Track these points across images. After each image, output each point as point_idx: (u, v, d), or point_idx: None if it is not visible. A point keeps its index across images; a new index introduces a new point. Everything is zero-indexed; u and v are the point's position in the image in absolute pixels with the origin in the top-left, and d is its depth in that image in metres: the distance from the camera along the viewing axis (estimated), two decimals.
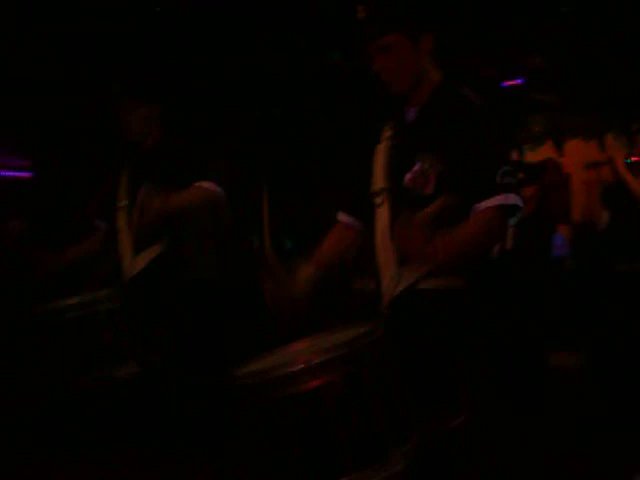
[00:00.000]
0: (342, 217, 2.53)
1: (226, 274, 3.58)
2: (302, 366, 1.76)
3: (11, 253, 4.14)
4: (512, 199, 2.11)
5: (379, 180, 2.33)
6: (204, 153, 3.56)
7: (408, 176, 2.22)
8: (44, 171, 5.35)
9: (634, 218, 4.44)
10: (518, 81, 6.55)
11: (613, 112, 5.76)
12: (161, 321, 3.32)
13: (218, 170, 3.46)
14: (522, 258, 4.95)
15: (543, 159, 5.80)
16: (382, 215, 2.29)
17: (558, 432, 4.09)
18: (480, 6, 5.66)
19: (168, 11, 4.88)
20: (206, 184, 3.33)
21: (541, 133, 6.07)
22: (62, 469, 3.15)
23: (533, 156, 5.87)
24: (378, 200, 2.31)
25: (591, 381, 4.63)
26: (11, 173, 5.32)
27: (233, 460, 2.29)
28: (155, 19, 4.93)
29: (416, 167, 2.21)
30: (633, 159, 4.49)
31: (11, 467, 3.22)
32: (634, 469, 3.64)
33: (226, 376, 1.94)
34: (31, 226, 4.30)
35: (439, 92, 2.29)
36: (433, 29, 2.26)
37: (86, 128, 5.00)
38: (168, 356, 3.28)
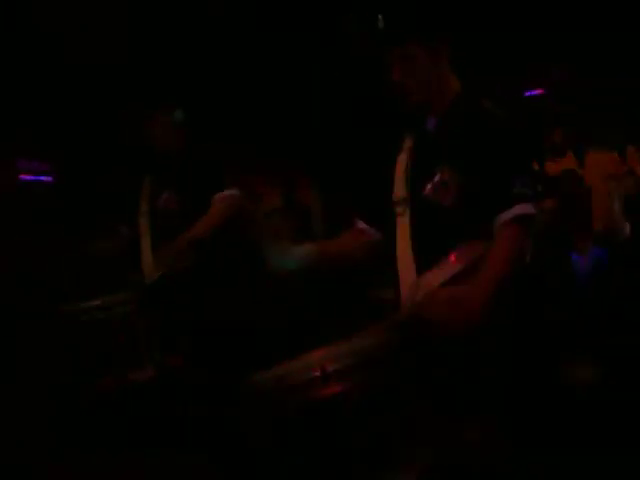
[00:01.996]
0: (359, 224, 2.51)
1: (246, 279, 3.59)
2: (317, 373, 1.76)
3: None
4: (528, 209, 2.10)
5: (400, 190, 2.33)
6: (225, 163, 3.60)
7: (428, 187, 2.22)
8: (65, 175, 5.40)
9: None
10: (539, 91, 6.54)
11: (635, 123, 5.72)
12: (179, 325, 3.34)
13: (239, 180, 3.51)
14: (541, 270, 4.93)
15: (563, 170, 5.78)
16: (403, 224, 2.29)
17: (571, 449, 4.06)
18: (502, 16, 5.65)
19: (190, 20, 4.91)
20: (227, 192, 3.39)
21: (562, 144, 6.03)
22: (76, 470, 3.16)
23: (554, 167, 5.84)
24: (399, 209, 2.31)
25: (606, 397, 4.59)
26: (32, 177, 5.36)
27: (246, 465, 2.29)
28: (178, 26, 4.97)
29: (436, 177, 2.21)
30: None
31: (27, 466, 3.24)
32: None
33: (243, 382, 1.94)
34: (53, 230, 4.35)
35: (459, 102, 2.28)
36: (451, 38, 2.26)
37: (109, 133, 5.03)
38: (186, 361, 3.30)
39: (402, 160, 2.36)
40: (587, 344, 4.98)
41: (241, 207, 3.52)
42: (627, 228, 4.57)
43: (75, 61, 4.88)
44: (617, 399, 4.42)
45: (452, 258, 2.16)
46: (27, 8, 4.64)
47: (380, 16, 2.24)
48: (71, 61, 4.89)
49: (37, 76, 4.86)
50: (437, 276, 2.18)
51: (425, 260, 2.21)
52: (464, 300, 2.00)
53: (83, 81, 4.95)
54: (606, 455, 3.91)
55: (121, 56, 4.97)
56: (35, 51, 4.75)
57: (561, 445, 3.99)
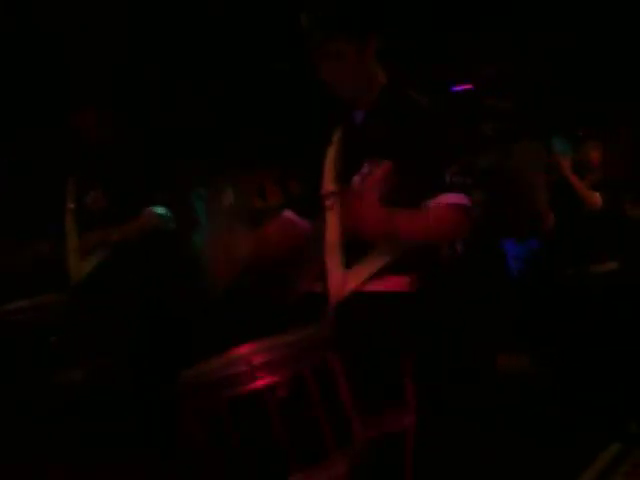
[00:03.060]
0: (289, 214, 2.51)
1: (172, 275, 3.57)
2: (245, 367, 1.76)
3: None
4: (464, 199, 2.12)
5: (329, 183, 2.33)
6: (155, 160, 3.56)
7: (356, 179, 2.23)
8: None
9: (579, 221, 4.54)
10: (468, 86, 6.64)
11: (559, 117, 5.87)
12: (109, 325, 3.30)
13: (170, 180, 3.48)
14: (471, 263, 5.01)
15: (494, 163, 5.89)
16: (331, 218, 2.29)
17: (506, 435, 4.15)
18: (433, 11, 5.72)
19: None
20: (156, 211, 3.37)
21: (491, 138, 6.16)
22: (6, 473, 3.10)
23: (484, 161, 5.95)
24: (328, 203, 2.31)
25: (540, 385, 4.70)
26: None
27: (181, 462, 2.28)
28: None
29: (364, 170, 2.21)
30: (578, 162, 4.58)
31: None
32: (580, 471, 3.72)
33: (172, 379, 1.93)
34: None
35: (386, 95, 2.30)
36: (377, 33, 2.27)
37: (35, 128, 4.91)
38: (116, 360, 3.25)
39: (331, 153, 2.37)
40: (523, 333, 5.09)
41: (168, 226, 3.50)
42: (551, 219, 4.68)
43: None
44: (552, 386, 4.54)
45: None
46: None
47: (305, 14, 2.24)
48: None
49: None
50: (366, 269, 2.20)
51: (354, 253, 2.22)
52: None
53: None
54: (538, 440, 4.01)
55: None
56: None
57: (493, 431, 4.08)
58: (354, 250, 2.22)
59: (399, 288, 2.21)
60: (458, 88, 6.62)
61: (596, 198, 4.45)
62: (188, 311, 3.55)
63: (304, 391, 1.82)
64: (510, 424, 4.27)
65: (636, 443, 4.01)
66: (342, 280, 2.21)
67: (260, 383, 1.76)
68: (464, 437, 4.02)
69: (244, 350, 1.88)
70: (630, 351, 4.35)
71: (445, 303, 2.32)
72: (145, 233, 3.38)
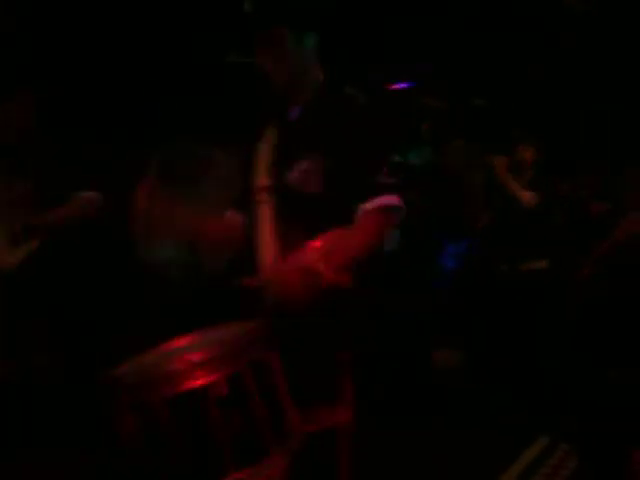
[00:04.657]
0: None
1: (106, 267, 3.51)
2: (182, 365, 1.72)
3: None
4: (394, 200, 2.15)
5: (262, 178, 2.32)
6: (80, 148, 3.49)
7: (293, 174, 2.22)
8: None
9: (513, 219, 4.62)
10: (407, 85, 6.69)
11: (494, 117, 5.97)
12: (38, 319, 3.22)
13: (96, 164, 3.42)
14: (406, 259, 5.06)
15: (427, 163, 5.96)
16: (264, 212, 2.28)
17: (440, 430, 4.20)
18: (372, 11, 5.74)
19: None
20: (85, 195, 3.31)
21: (426, 136, 6.22)
22: None
23: (417, 159, 6.02)
24: (260, 197, 2.30)
25: (472, 381, 4.78)
26: None
27: (113, 462, 2.23)
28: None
29: (301, 166, 2.21)
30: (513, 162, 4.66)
31: None
32: (509, 466, 3.80)
33: (105, 375, 1.88)
34: None
35: (323, 91, 2.30)
36: (317, 25, 2.27)
37: None
38: (46, 355, 3.19)
39: (264, 148, 2.36)
40: (458, 329, 5.17)
41: (98, 209, 3.45)
42: (486, 218, 4.76)
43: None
44: (484, 382, 4.62)
45: (317, 244, 2.18)
46: None
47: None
48: None
49: None
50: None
51: (289, 247, 2.21)
52: (314, 272, 2.00)
53: None
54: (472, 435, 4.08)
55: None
56: None
57: (428, 426, 4.13)
58: (290, 244, 2.21)
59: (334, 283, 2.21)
60: (398, 86, 6.67)
61: (529, 198, 4.54)
62: (120, 304, 3.50)
63: (242, 388, 1.80)
64: (442, 419, 4.33)
65: (563, 437, 4.11)
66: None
67: (198, 381, 1.73)
68: (395, 433, 4.07)
69: (180, 344, 1.84)
70: (559, 347, 4.45)
71: (382, 299, 2.33)
72: (72, 219, 3.32)
